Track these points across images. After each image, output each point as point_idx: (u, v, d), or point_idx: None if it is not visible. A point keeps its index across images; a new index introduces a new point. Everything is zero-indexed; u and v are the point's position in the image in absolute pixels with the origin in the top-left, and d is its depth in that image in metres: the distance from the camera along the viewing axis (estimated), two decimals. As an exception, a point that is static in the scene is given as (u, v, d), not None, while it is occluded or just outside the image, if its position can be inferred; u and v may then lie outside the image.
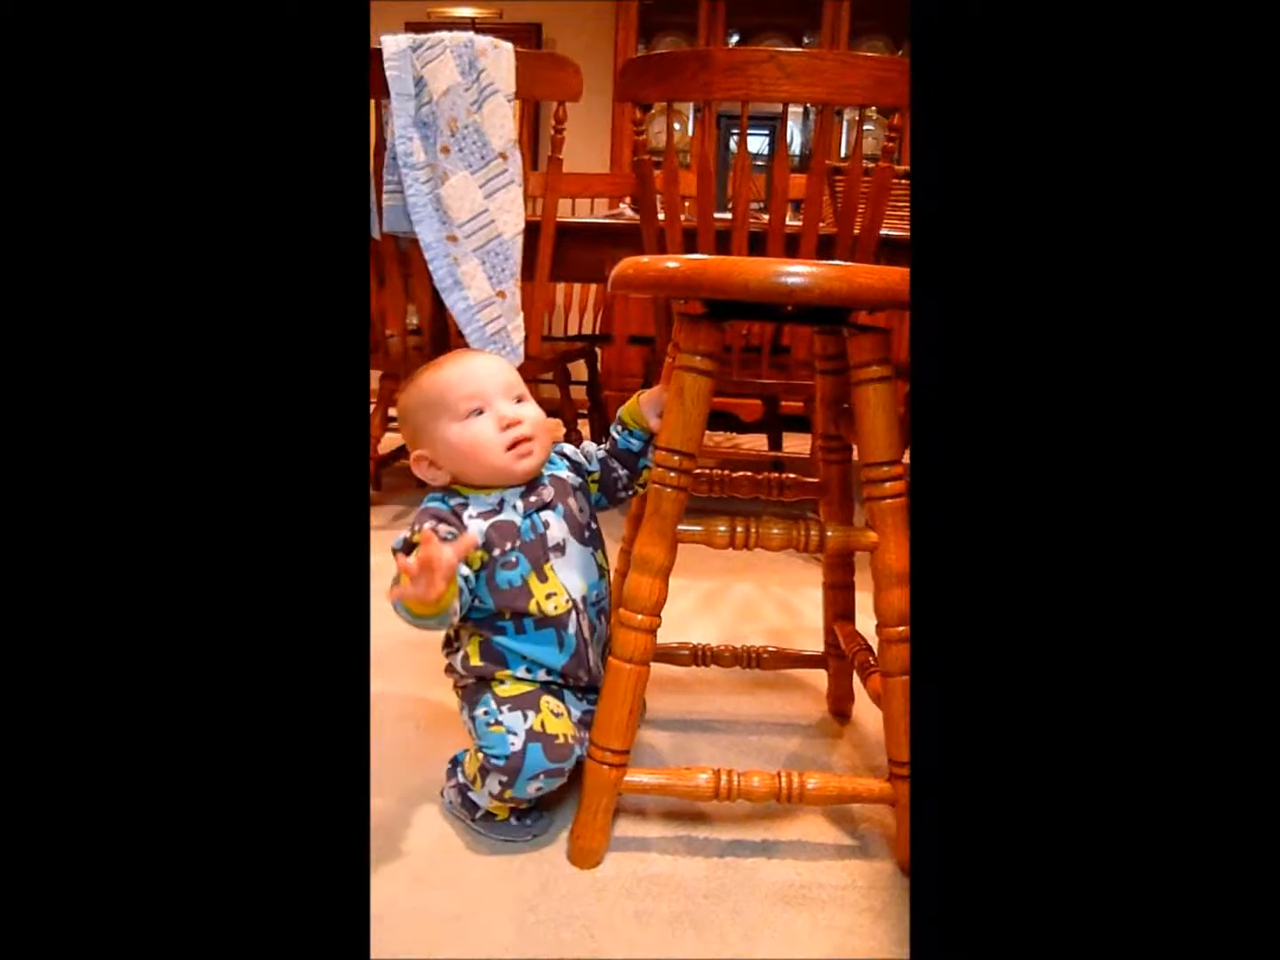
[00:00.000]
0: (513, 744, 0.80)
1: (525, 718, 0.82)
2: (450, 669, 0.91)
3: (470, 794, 0.86)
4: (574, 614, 0.86)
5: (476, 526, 0.83)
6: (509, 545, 0.84)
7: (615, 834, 0.88)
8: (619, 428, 0.93)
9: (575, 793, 0.86)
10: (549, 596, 0.84)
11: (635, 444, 0.92)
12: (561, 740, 0.82)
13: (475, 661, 0.86)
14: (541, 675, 0.86)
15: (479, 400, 0.84)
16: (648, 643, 0.82)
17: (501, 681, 0.86)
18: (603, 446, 0.94)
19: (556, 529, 0.87)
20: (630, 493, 0.95)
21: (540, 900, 0.79)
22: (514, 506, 0.86)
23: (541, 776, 0.81)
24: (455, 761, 0.91)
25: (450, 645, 0.90)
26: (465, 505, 0.85)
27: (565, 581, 0.86)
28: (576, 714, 0.88)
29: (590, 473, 0.93)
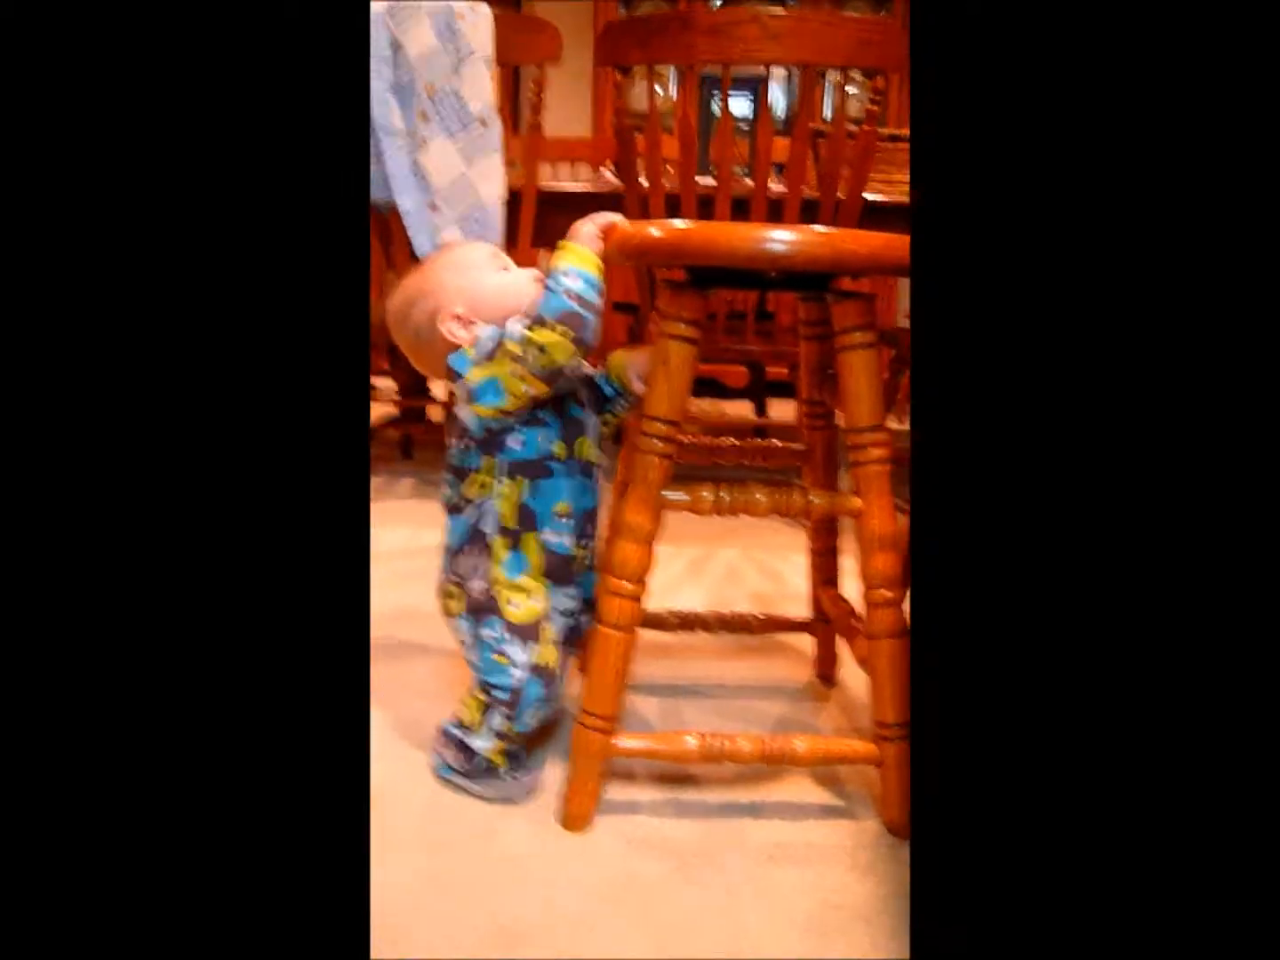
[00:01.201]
0: (515, 676, 0.87)
1: (525, 648, 0.88)
2: (452, 568, 0.91)
3: (471, 740, 0.89)
4: (598, 471, 0.93)
5: None
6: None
7: (605, 797, 0.89)
8: (601, 370, 0.96)
9: (565, 756, 0.87)
10: (588, 448, 0.92)
11: (609, 390, 0.95)
12: (555, 670, 0.89)
13: (509, 523, 0.88)
14: (567, 539, 0.89)
15: (502, 261, 0.93)
16: (634, 609, 0.83)
17: (511, 602, 0.88)
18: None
19: (581, 393, 0.93)
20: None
21: (532, 864, 0.80)
22: None
23: (537, 704, 0.88)
24: (444, 730, 0.92)
25: (467, 505, 0.90)
26: None
27: (591, 441, 0.93)
28: (558, 627, 0.91)
29: None
